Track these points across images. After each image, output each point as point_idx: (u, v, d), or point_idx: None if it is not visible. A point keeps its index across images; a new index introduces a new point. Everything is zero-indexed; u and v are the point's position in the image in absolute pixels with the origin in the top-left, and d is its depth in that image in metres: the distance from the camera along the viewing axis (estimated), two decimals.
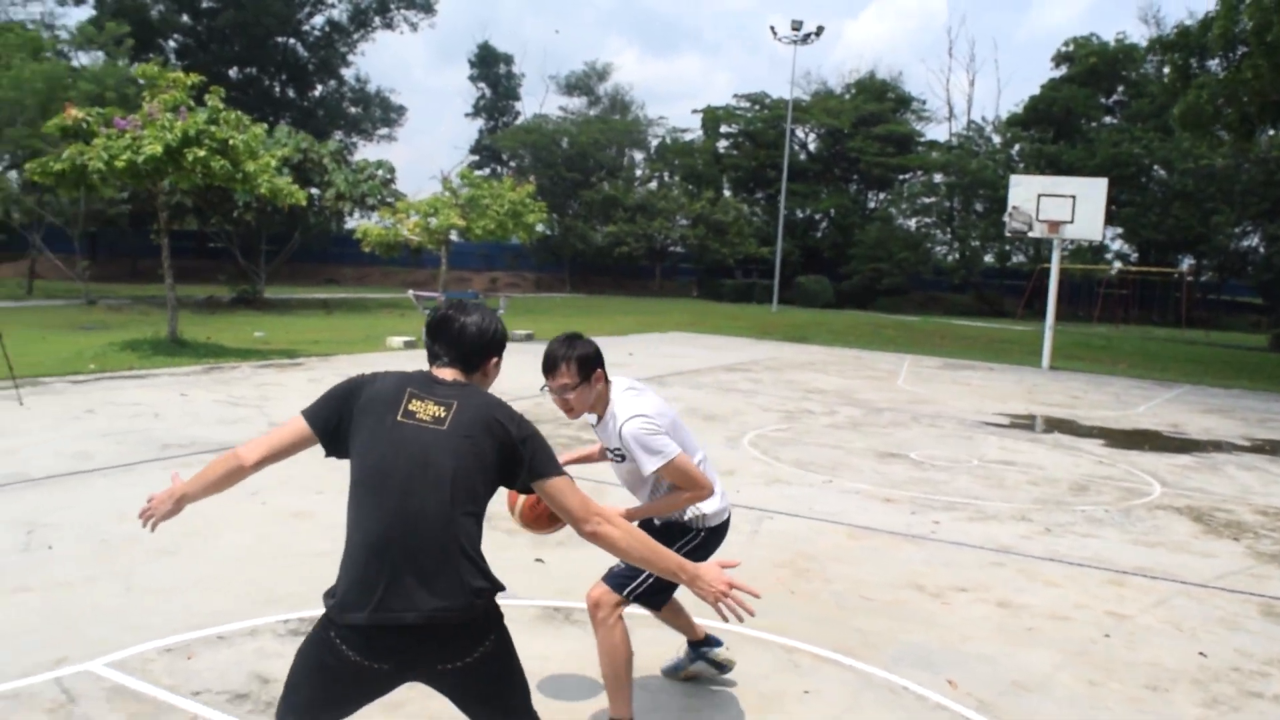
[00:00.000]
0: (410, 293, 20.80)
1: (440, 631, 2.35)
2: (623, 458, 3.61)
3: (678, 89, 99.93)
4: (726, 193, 51.67)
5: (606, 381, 3.62)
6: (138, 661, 4.11)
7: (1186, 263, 48.06)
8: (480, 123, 60.18)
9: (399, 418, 2.48)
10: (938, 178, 50.56)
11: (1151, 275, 42.36)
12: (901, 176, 52.49)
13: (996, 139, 51.81)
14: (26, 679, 3.89)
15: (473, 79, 60.13)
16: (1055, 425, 12.84)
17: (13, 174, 30.12)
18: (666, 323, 27.96)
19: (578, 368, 3.51)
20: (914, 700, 4.14)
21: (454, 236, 22.03)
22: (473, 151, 58.55)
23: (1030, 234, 21.49)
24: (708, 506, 3.72)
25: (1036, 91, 50.08)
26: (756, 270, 48.57)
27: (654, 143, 53.89)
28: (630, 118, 54.62)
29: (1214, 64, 24.13)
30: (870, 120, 50.92)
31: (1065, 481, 9.03)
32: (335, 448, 2.59)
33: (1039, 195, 20.88)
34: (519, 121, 56.05)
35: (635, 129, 52.42)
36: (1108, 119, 49.98)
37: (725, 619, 2.67)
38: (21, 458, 7.65)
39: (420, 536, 2.36)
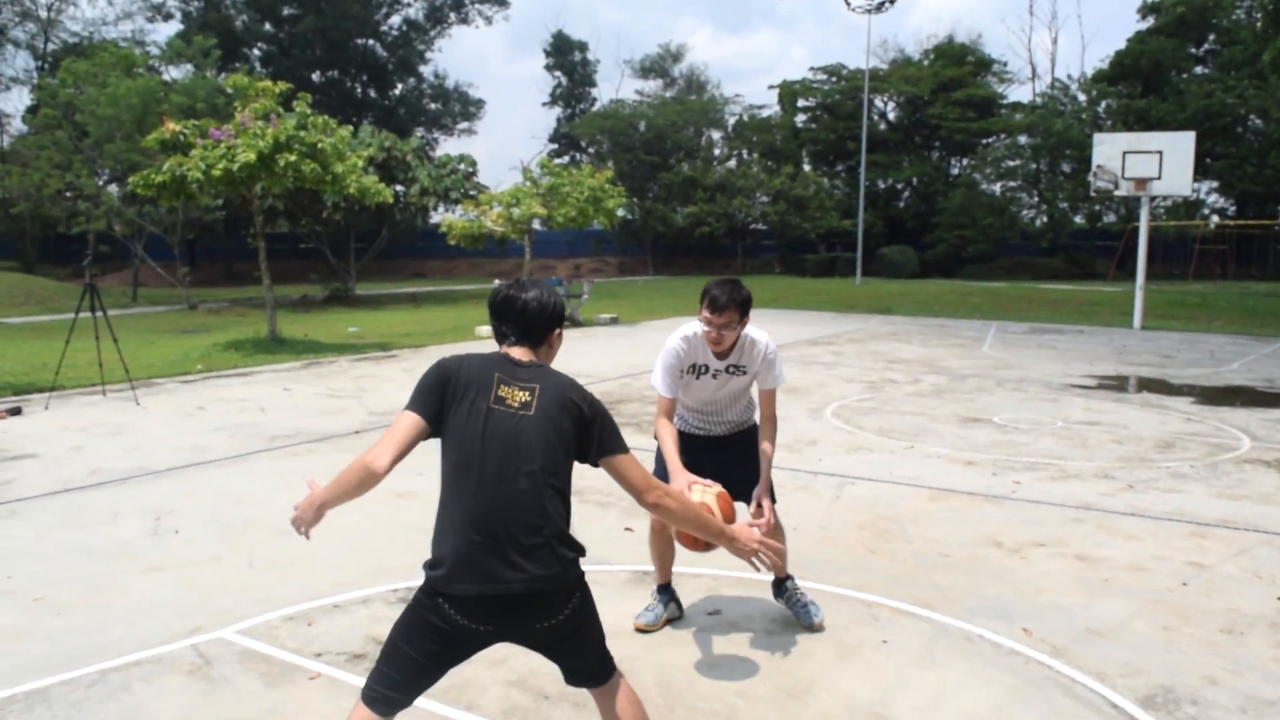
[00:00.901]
0: (497, 283, 21.26)
1: (539, 597, 2.62)
2: (741, 373, 4.33)
3: (753, 65, 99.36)
4: (806, 167, 51.30)
5: None
6: (264, 628, 4.50)
7: None
8: (558, 111, 60.74)
9: (491, 404, 2.71)
10: (1022, 140, 49.41)
11: (1250, 228, 40.88)
12: (984, 141, 51.41)
13: (1082, 97, 50.35)
14: (167, 646, 4.31)
15: (548, 68, 60.67)
16: (1144, 385, 12.70)
17: (113, 187, 31.53)
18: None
19: (739, 309, 4.12)
20: (989, 647, 4.31)
21: (536, 225, 22.47)
22: (551, 140, 59.16)
23: (1116, 192, 21.07)
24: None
25: (1122, 46, 48.49)
26: (839, 244, 48.21)
27: (731, 121, 53.74)
28: (706, 97, 54.51)
29: None
30: (950, 85, 49.99)
31: (1151, 439, 9.00)
32: (438, 430, 2.79)
33: (1124, 153, 20.46)
34: (596, 108, 56.36)
35: (712, 108, 52.33)
36: (1199, 69, 48.23)
37: (758, 569, 3.21)
38: (143, 453, 8.21)
39: (518, 513, 2.62)
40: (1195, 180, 26.61)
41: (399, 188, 29.64)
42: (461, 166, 31.10)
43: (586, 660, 2.84)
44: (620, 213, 27.45)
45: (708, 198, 45.62)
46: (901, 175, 50.95)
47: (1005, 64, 59.51)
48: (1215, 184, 44.44)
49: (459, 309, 26.34)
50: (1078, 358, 15.53)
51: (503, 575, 2.59)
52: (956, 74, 50.75)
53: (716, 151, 52.47)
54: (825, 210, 46.27)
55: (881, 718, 3.69)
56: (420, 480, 7.14)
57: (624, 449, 2.82)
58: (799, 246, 48.53)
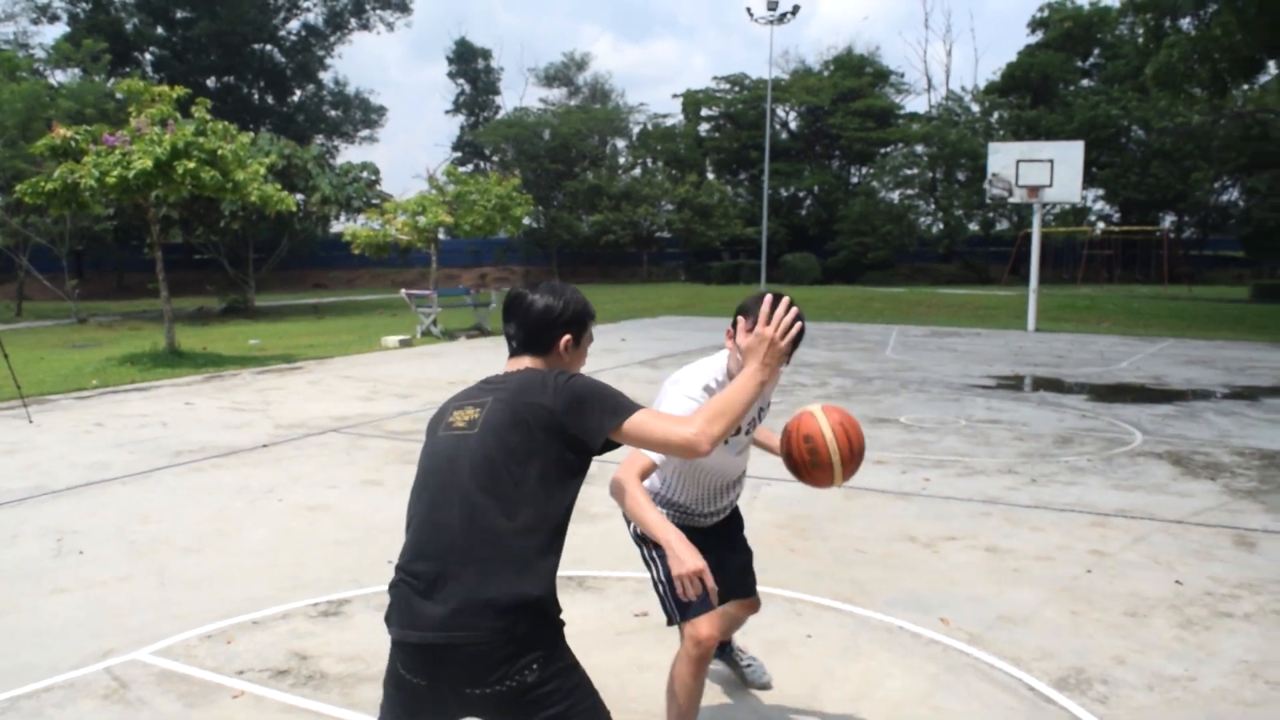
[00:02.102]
0: (403, 292, 21.04)
1: (462, 650, 2.15)
2: (763, 418, 3.56)
3: (655, 74, 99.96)
4: (710, 176, 51.86)
5: None
6: (181, 648, 4.38)
7: (1168, 220, 48.35)
8: (461, 119, 60.26)
9: (440, 431, 2.42)
10: (919, 149, 50.77)
11: (1134, 234, 42.63)
12: (883, 150, 52.68)
13: (975, 108, 51.99)
14: (79, 670, 4.15)
15: (451, 75, 60.14)
16: (1041, 384, 13.15)
17: None
18: (657, 307, 28.22)
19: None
20: (909, 638, 4.43)
21: (441, 234, 22.26)
22: (455, 148, 58.63)
23: (1011, 200, 21.80)
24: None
25: (1013, 59, 50.28)
26: (743, 251, 48.79)
27: (635, 130, 54.00)
28: (610, 106, 54.71)
29: (1185, 23, 24.41)
30: (850, 96, 51.10)
31: (1050, 436, 9.34)
32: None
33: (1017, 161, 21.19)
34: (500, 116, 56.13)
35: (616, 117, 52.51)
36: (1085, 82, 50.19)
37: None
38: (41, 471, 7.91)
39: (446, 547, 2.21)
40: (1083, 188, 27.64)
41: (300, 196, 29.08)
42: (364, 174, 30.67)
43: None
44: (526, 221, 27.38)
45: (613, 206, 45.77)
46: (803, 184, 51.86)
47: (903, 75, 61.07)
48: (1101, 192, 46.26)
49: (364, 318, 25.94)
50: (977, 359, 16.01)
51: (421, 618, 2.17)
52: (856, 85, 51.89)
53: (621, 160, 52.67)
54: (729, 218, 46.82)
55: (811, 710, 3.76)
56: (333, 493, 7.05)
57: (628, 412, 2.32)
58: (704, 254, 48.99)
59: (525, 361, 2.51)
